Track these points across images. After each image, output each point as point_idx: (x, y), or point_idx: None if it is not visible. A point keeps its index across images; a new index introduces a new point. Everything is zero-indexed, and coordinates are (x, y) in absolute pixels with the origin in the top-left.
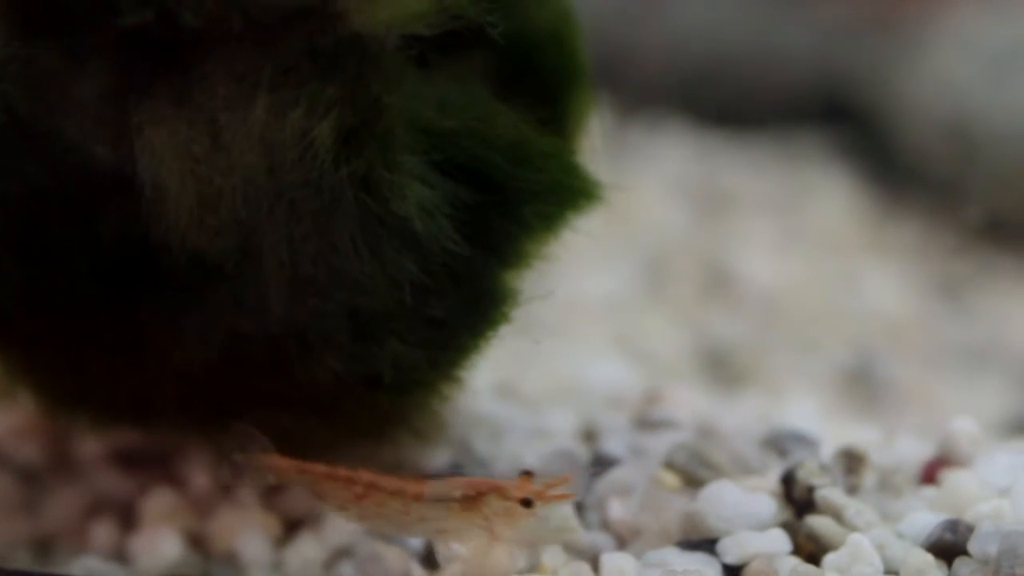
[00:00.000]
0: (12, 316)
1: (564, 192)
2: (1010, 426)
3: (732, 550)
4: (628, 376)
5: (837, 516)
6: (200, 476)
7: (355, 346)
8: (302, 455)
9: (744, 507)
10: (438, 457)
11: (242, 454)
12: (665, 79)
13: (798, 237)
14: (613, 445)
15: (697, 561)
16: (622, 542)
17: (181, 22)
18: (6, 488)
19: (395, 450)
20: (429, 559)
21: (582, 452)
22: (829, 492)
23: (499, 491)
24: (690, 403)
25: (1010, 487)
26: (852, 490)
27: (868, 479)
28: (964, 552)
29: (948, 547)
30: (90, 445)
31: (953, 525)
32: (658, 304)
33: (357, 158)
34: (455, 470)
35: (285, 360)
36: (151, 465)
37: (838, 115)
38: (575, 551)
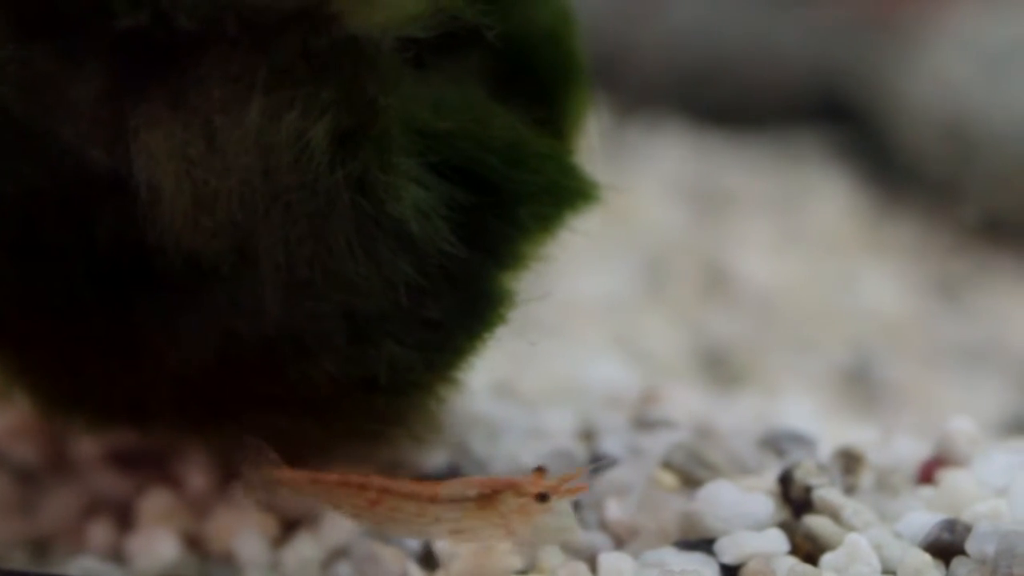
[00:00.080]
0: (8, 317)
1: (561, 193)
2: (1008, 426)
3: (730, 550)
4: (626, 376)
5: (835, 516)
6: (197, 476)
7: (351, 348)
8: (299, 457)
9: (742, 507)
10: (435, 457)
11: (253, 470)
12: (663, 79)
13: (796, 237)
14: (611, 445)
15: (695, 561)
16: (620, 542)
17: (176, 25)
18: (3, 488)
19: (392, 451)
20: (426, 559)
21: (580, 452)
22: (827, 492)
23: (514, 488)
24: (688, 403)
25: (1008, 487)
26: (850, 490)
27: (866, 479)
28: (962, 552)
29: (946, 547)
30: (86, 445)
31: (951, 525)
32: (656, 304)
33: (352, 160)
34: (453, 470)
35: (281, 362)
36: (148, 465)
37: (836, 115)
38: (573, 551)
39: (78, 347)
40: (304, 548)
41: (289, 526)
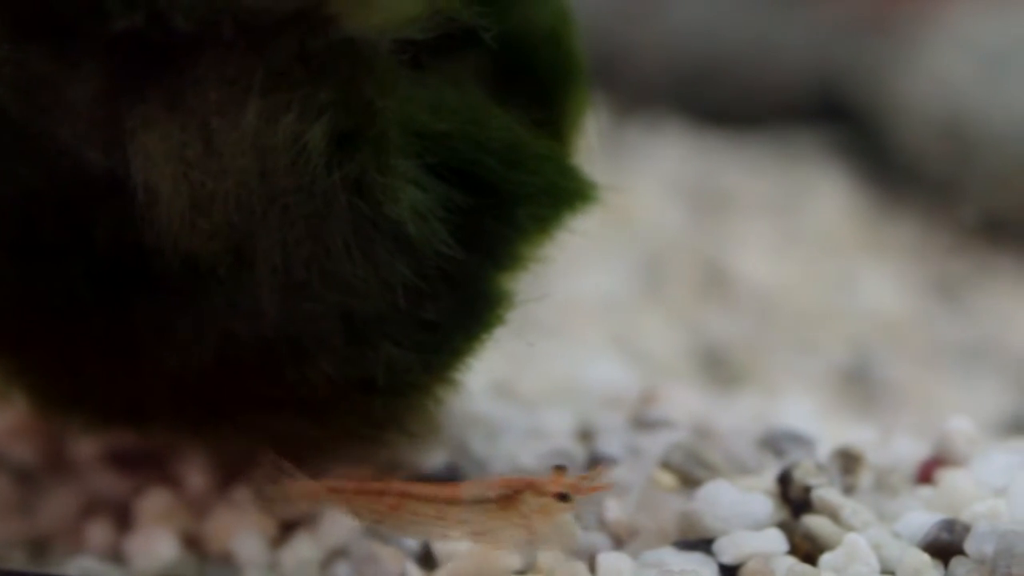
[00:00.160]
0: (6, 318)
1: (559, 194)
2: (1007, 425)
3: (728, 550)
4: (625, 376)
5: (833, 516)
6: (196, 477)
7: (349, 349)
8: (297, 458)
9: (740, 507)
10: (434, 458)
11: (272, 484)
12: (662, 79)
13: (795, 236)
14: (610, 445)
15: (694, 561)
16: (619, 542)
17: (173, 26)
18: (1, 488)
19: (390, 452)
20: (425, 559)
21: (579, 452)
22: (825, 492)
23: (534, 488)
24: (687, 403)
25: (1006, 487)
26: (848, 490)
27: (864, 479)
28: (960, 552)
29: (944, 547)
30: (85, 446)
31: (949, 525)
32: (655, 304)
33: (350, 162)
34: (451, 471)
35: (278, 363)
36: (146, 466)
37: (835, 114)
38: (572, 551)
39: (76, 348)
40: (303, 548)
41: (288, 526)
